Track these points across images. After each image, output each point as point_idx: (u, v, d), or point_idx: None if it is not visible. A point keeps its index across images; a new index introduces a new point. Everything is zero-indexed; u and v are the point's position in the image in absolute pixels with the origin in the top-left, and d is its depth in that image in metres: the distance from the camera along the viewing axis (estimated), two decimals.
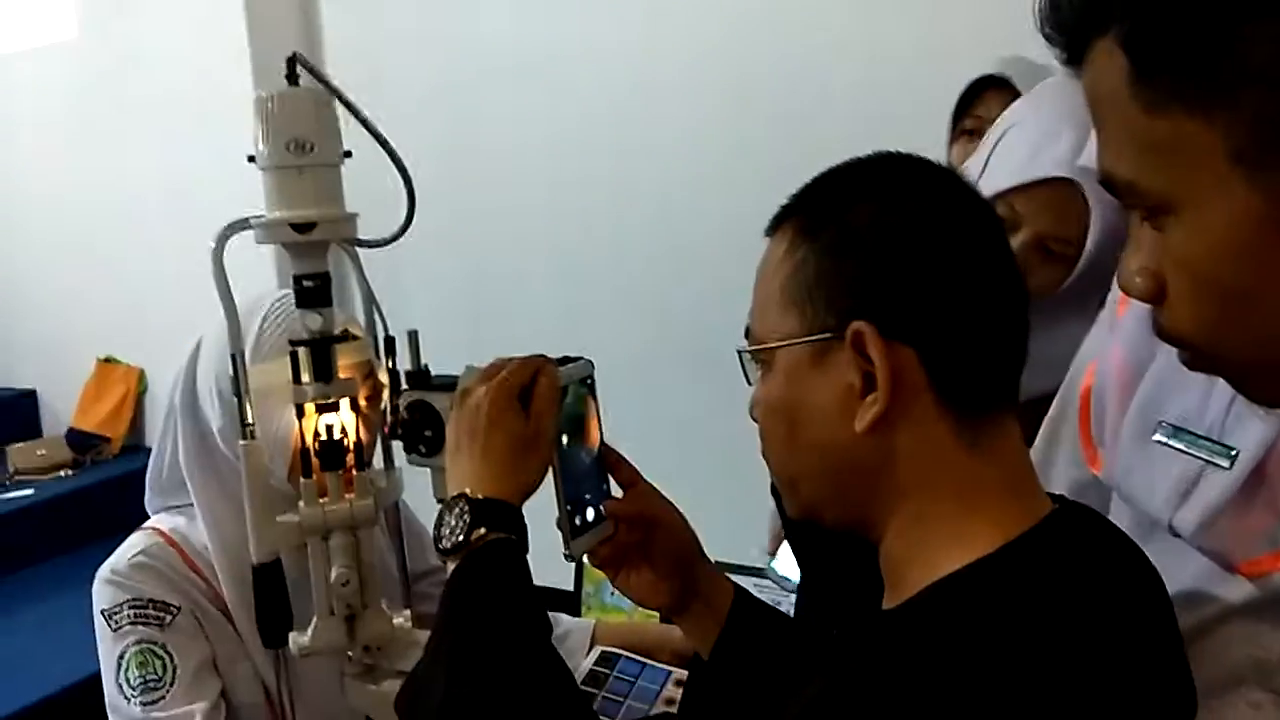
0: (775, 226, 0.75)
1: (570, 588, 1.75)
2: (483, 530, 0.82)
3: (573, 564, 0.97)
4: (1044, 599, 0.64)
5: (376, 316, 1.18)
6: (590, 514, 0.94)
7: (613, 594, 1.76)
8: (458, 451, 0.87)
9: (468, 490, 0.84)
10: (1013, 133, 1.13)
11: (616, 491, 0.98)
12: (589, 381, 0.96)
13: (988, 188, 1.11)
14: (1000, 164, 1.12)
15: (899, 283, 0.68)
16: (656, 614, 1.01)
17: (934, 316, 0.68)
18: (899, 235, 0.68)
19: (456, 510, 0.83)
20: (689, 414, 1.18)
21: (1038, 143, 1.08)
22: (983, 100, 1.46)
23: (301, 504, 1.05)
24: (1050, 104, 1.11)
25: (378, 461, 1.23)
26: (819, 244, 0.70)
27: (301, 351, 1.03)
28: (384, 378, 1.15)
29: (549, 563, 0.98)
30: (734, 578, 1.00)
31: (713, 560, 0.99)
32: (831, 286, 0.69)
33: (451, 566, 0.83)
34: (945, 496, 0.69)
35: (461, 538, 0.82)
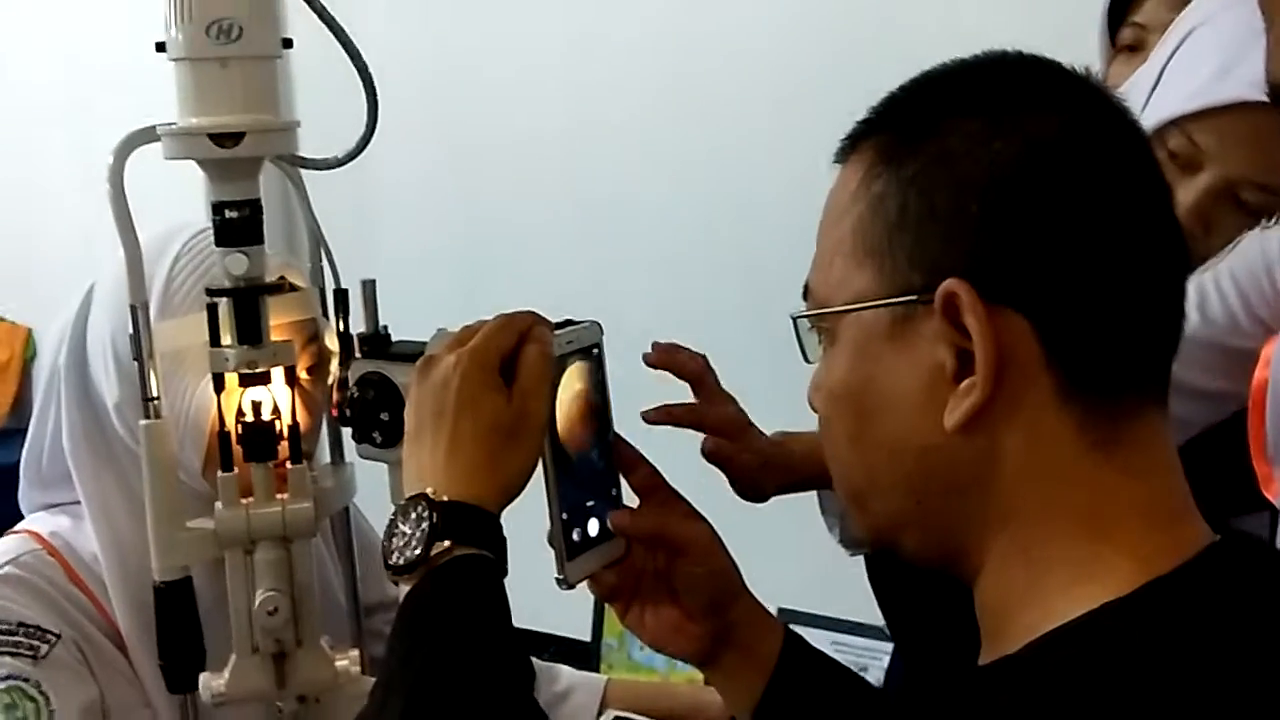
0: (849, 149, 0.76)
1: (585, 636, 1.77)
2: (447, 543, 0.82)
3: (576, 594, 0.96)
4: (1195, 660, 0.64)
5: (325, 262, 1.21)
6: (594, 528, 0.96)
7: (643, 648, 1.76)
8: (418, 439, 0.87)
9: (430, 490, 0.84)
10: (1196, 38, 1.12)
11: (630, 499, 0.99)
12: (596, 352, 0.97)
13: (1156, 114, 1.10)
14: (1177, 81, 1.11)
15: (1011, 229, 0.68)
16: (699, 672, 1.02)
17: (1057, 275, 0.68)
18: (1014, 164, 0.68)
19: (414, 516, 0.83)
20: (759, 406, 1.26)
21: (1232, 53, 1.07)
22: (1143, 3, 1.43)
23: (218, 506, 1.08)
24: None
25: (323, 454, 1.26)
26: (905, 173, 0.71)
27: (222, 304, 1.05)
28: (332, 343, 1.18)
29: (552, 598, 0.99)
30: (808, 632, 1.02)
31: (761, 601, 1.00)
32: (920, 231, 0.69)
33: (404, 589, 0.83)
34: (1065, 518, 0.69)
35: (419, 551, 0.82)
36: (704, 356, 1.08)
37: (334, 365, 1.17)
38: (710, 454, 1.05)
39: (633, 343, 1.06)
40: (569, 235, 2.62)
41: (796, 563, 1.88)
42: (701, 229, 2.48)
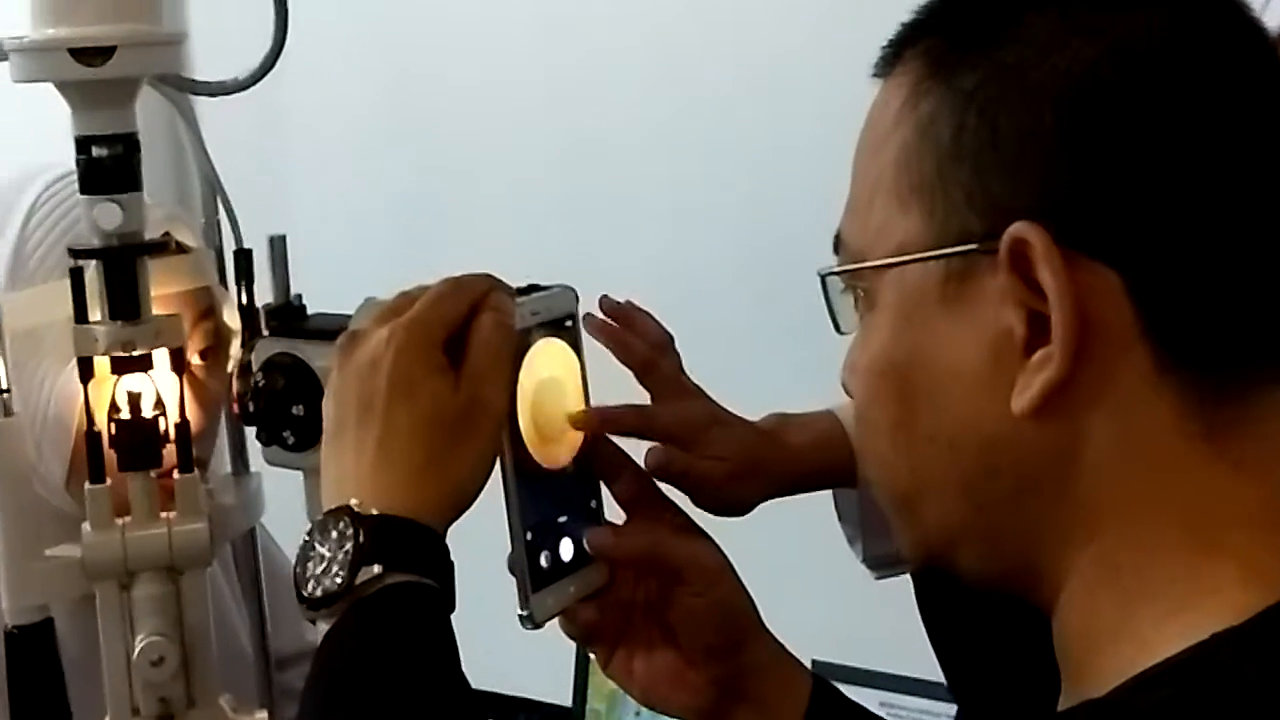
0: (891, 59, 0.76)
1: (565, 700, 1.78)
2: (376, 569, 0.82)
3: (552, 644, 1.01)
4: None
5: (223, 215, 1.20)
6: (567, 550, 0.96)
7: (639, 713, 1.76)
8: (339, 437, 0.88)
9: (354, 502, 0.85)
10: None
11: (614, 513, 0.99)
12: (570, 325, 0.97)
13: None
14: None
15: (1097, 156, 0.68)
16: None
17: (1156, 217, 0.68)
18: (1101, 72, 0.68)
19: (334, 534, 0.84)
20: (754, 390, 1.23)
21: None
22: None
23: (86, 527, 1.06)
24: None
25: (221, 461, 1.26)
26: (961, 86, 0.70)
27: (89, 269, 1.04)
28: (232, 319, 1.17)
29: (522, 649, 1.01)
30: (849, 691, 1.01)
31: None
32: (980, 161, 0.69)
33: (323, 628, 0.83)
34: (1164, 528, 0.69)
35: (340, 580, 0.82)
36: (664, 333, 1.06)
37: (235, 347, 1.17)
38: (654, 469, 1.01)
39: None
40: (541, 184, 2.62)
41: (834, 602, 1.90)
42: (708, 180, 2.48)
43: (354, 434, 0.87)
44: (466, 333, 0.89)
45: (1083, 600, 0.71)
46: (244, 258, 1.17)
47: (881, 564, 1.15)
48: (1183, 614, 0.67)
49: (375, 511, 0.84)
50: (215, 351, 1.19)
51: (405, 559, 0.84)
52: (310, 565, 0.85)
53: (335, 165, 2.79)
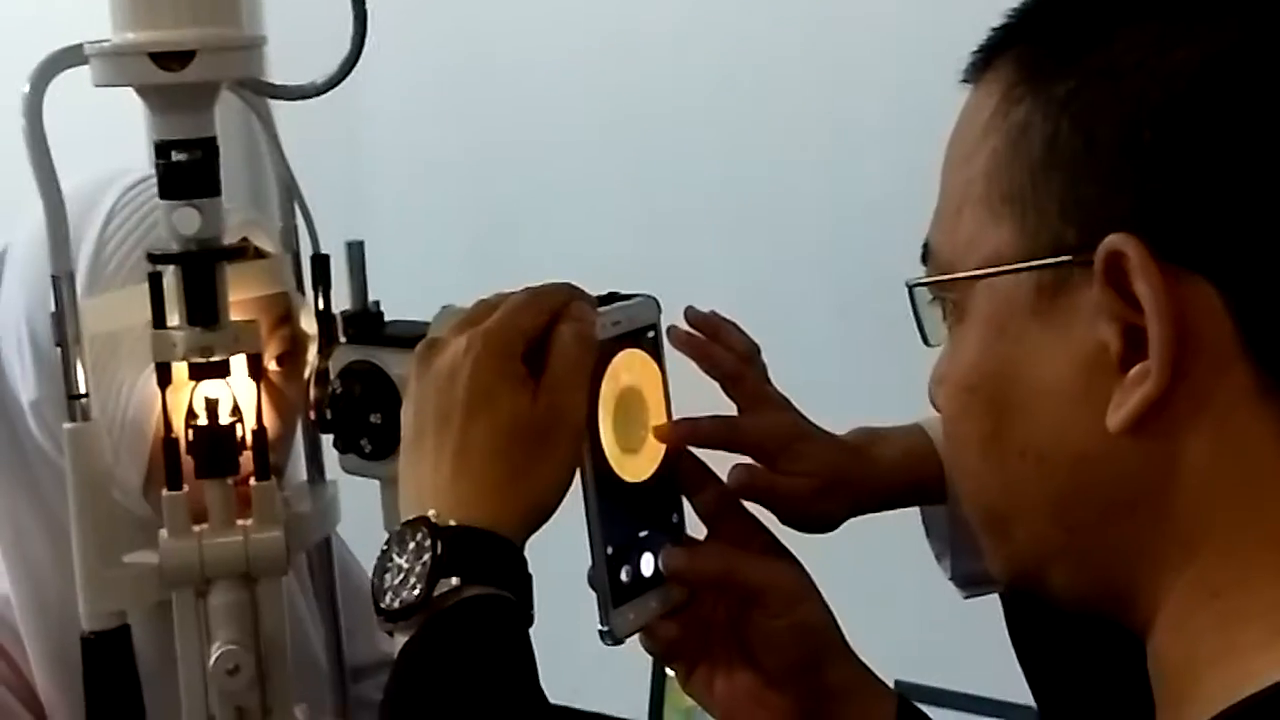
0: (982, 64, 0.76)
1: (641, 715, 1.82)
2: (454, 581, 0.83)
3: (629, 659, 1.02)
4: None
5: (301, 220, 1.21)
6: (648, 565, 0.97)
7: None
8: (418, 448, 0.89)
9: (432, 513, 0.85)
10: None
11: (696, 527, 1.00)
12: (652, 335, 0.98)
13: None
14: None
15: (1197, 166, 0.67)
16: None
17: (1259, 229, 0.67)
18: (1203, 80, 0.68)
19: (412, 546, 0.84)
20: (841, 403, 1.23)
21: None
22: None
23: (163, 534, 1.07)
24: None
25: (298, 469, 1.26)
26: (1055, 93, 0.70)
27: (168, 274, 1.05)
28: (309, 325, 1.18)
29: (597, 664, 1.02)
30: (934, 714, 1.01)
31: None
32: (1074, 171, 0.69)
33: (400, 640, 0.84)
34: (1264, 548, 0.68)
35: (418, 592, 0.83)
36: (751, 344, 1.06)
37: (311, 353, 1.17)
38: (738, 487, 1.01)
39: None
40: (616, 189, 2.62)
41: (920, 622, 1.89)
42: (787, 181, 2.46)
43: (432, 445, 0.88)
44: (546, 343, 0.90)
45: (1180, 624, 0.70)
46: (321, 263, 1.18)
47: (970, 582, 1.13)
48: None
49: (453, 523, 0.85)
50: (292, 358, 1.19)
51: (483, 571, 0.84)
52: (388, 577, 0.85)
53: (413, 170, 2.79)
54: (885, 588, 2.04)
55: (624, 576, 0.94)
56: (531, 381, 0.88)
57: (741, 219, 2.53)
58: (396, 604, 0.84)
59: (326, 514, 1.23)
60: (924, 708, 1.05)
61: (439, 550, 0.83)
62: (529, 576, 0.86)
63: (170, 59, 0.98)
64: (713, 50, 2.52)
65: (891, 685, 1.03)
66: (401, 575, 0.84)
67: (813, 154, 2.44)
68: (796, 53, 2.42)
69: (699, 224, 2.57)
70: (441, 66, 2.74)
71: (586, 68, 2.64)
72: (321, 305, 1.17)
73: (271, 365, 1.19)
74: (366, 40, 1.08)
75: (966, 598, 1.15)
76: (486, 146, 2.75)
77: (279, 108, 1.20)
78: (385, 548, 0.86)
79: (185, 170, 1.02)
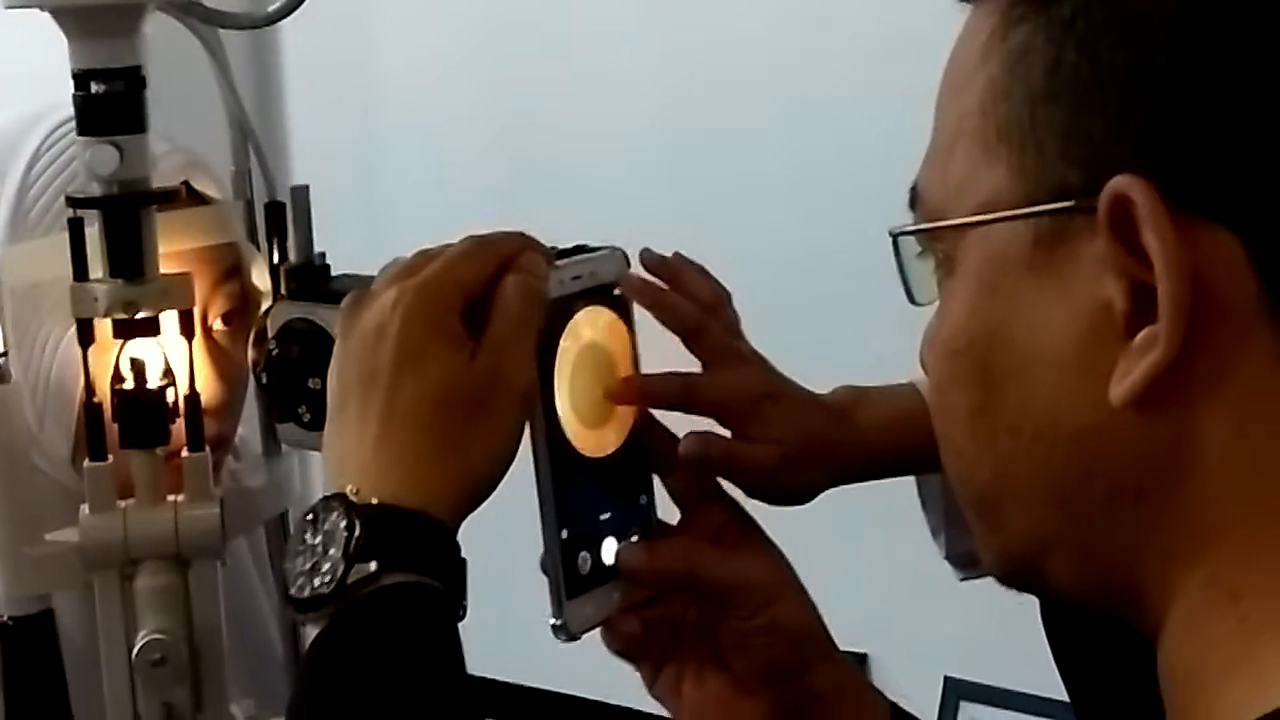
0: None
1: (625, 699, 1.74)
2: (372, 566, 0.80)
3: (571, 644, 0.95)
4: None
5: (254, 163, 1.18)
6: (610, 553, 0.94)
7: None
8: (341, 415, 0.87)
9: (351, 489, 0.83)
10: None
11: (668, 510, 0.97)
12: (619, 293, 0.94)
13: None
14: None
15: (1216, 97, 0.64)
16: None
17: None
18: (1220, 4, 0.64)
19: (327, 526, 0.82)
20: (830, 368, 1.28)
21: None
22: None
23: (84, 509, 1.04)
24: None
25: (245, 442, 1.26)
26: (1058, 14, 0.67)
27: (93, 222, 1.02)
28: (261, 280, 1.16)
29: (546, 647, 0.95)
30: (983, 711, 1.00)
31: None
32: (1078, 102, 0.66)
33: (312, 633, 0.82)
34: None
35: (330, 579, 0.80)
36: (718, 290, 1.01)
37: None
38: (689, 457, 0.96)
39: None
40: (647, 144, 2.62)
41: (970, 614, 1.86)
42: (838, 141, 2.46)
43: (355, 411, 0.86)
44: (491, 296, 0.87)
45: (1192, 628, 0.67)
46: (276, 212, 1.14)
47: (967, 562, 1.10)
48: None
49: (375, 501, 0.82)
50: (241, 315, 1.17)
51: (406, 556, 0.81)
52: (299, 561, 0.83)
53: (409, 111, 2.79)
54: (928, 578, 2.06)
55: (582, 565, 0.92)
56: (470, 341, 0.86)
57: (786, 182, 2.55)
58: (307, 592, 0.81)
59: (281, 489, 1.20)
60: (972, 705, 1.00)
61: (356, 531, 0.81)
62: (462, 562, 0.84)
63: None
64: (749, 25, 2.55)
65: (940, 682, 0.99)
66: (314, 560, 0.82)
67: (858, 124, 2.46)
68: (834, 26, 2.45)
69: (736, 187, 2.59)
70: (462, 29, 2.74)
71: (609, 38, 2.67)
72: (279, 260, 1.14)
73: (217, 324, 1.17)
74: None
75: (963, 579, 1.10)
76: (499, 91, 2.77)
77: (293, 74, 1.17)
78: (297, 529, 0.84)
79: (105, 103, 0.99)
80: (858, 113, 2.45)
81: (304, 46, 2.13)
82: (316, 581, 0.81)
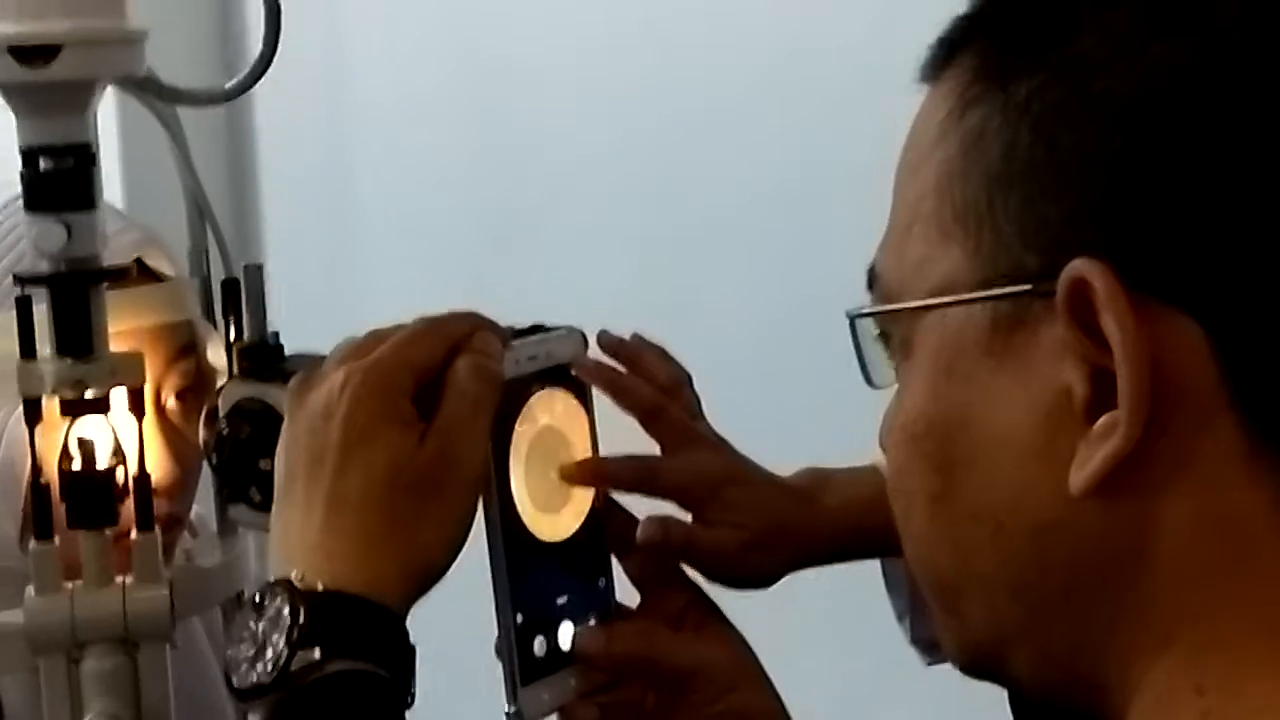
0: (941, 61, 0.71)
1: None
2: (316, 654, 0.79)
3: None
4: None
5: (211, 239, 1.18)
6: (567, 638, 0.93)
7: None
8: (288, 496, 0.86)
9: (295, 574, 0.82)
10: None
11: (627, 593, 0.97)
12: (572, 374, 0.94)
13: None
14: None
15: (1175, 180, 0.62)
16: None
17: (1248, 256, 0.62)
18: (1183, 80, 0.63)
19: (271, 612, 0.81)
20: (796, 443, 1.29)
21: None
22: None
23: (29, 591, 1.03)
24: None
25: (201, 520, 1.24)
26: (1015, 96, 0.66)
27: (37, 297, 1.02)
28: (218, 358, 1.15)
29: None
30: None
31: None
32: (1035, 184, 0.65)
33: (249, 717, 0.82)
34: (1254, 637, 0.64)
35: (272, 667, 0.79)
36: (678, 372, 1.00)
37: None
38: (648, 542, 0.95)
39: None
40: (626, 211, 2.61)
41: (956, 700, 1.85)
42: (805, 188, 2.44)
43: (302, 493, 0.85)
44: (443, 378, 0.86)
45: None
46: (232, 289, 1.13)
47: (932, 647, 1.09)
48: None
49: (320, 586, 0.82)
50: (196, 394, 1.16)
51: (351, 643, 0.81)
52: (242, 648, 0.81)
53: (405, 176, 2.80)
54: (908, 665, 2.08)
55: (538, 649, 0.91)
56: (420, 423, 0.85)
57: (754, 233, 2.53)
58: (249, 680, 0.80)
59: (235, 569, 1.18)
60: None
61: (300, 618, 0.80)
62: (410, 649, 0.83)
63: (33, 54, 0.95)
64: (727, 49, 2.53)
65: None
66: (256, 647, 0.81)
67: (842, 161, 2.39)
68: (818, 57, 2.44)
69: (718, 255, 2.58)
70: (437, 63, 2.74)
71: (586, 68, 2.66)
72: (235, 338, 1.13)
73: (170, 402, 1.16)
74: (279, 40, 1.05)
75: (929, 664, 1.09)
76: (484, 151, 2.76)
77: (265, 118, 1.17)
78: (240, 614, 0.83)
79: (53, 180, 0.99)
80: (843, 165, 2.42)
81: (276, 119, 2.12)
82: (259, 669, 0.80)
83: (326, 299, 2.53)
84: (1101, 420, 0.63)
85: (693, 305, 2.36)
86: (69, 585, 1.03)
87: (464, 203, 2.79)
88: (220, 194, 2.58)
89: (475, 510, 0.86)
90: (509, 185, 2.74)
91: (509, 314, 0.94)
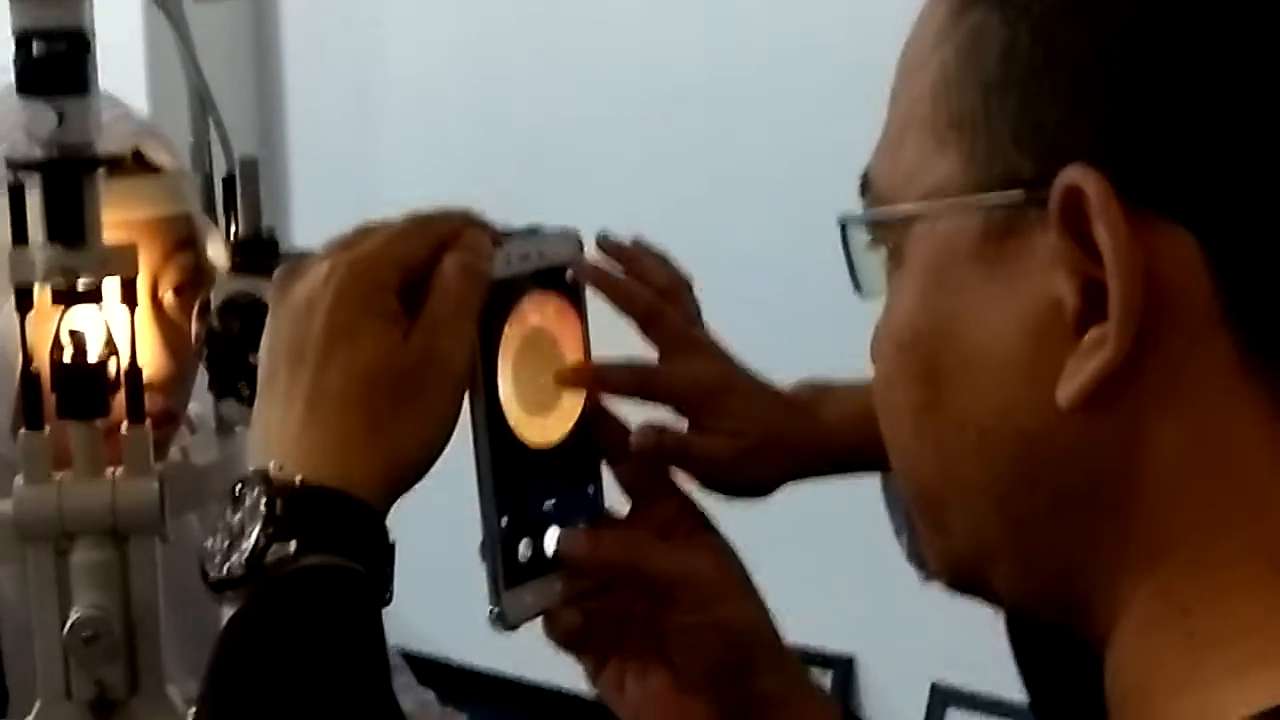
0: None
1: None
2: (291, 547, 0.79)
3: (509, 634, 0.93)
4: None
5: (214, 132, 1.17)
6: (552, 543, 0.92)
7: None
8: (269, 389, 0.85)
9: (274, 466, 0.81)
10: None
11: (617, 503, 0.95)
12: (567, 277, 0.92)
13: None
14: None
15: (1173, 86, 0.62)
16: None
17: (1244, 165, 0.62)
18: None
19: (248, 503, 0.80)
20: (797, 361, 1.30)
21: None
22: None
23: (18, 480, 1.03)
24: None
25: (201, 418, 1.25)
26: (1014, 2, 0.65)
27: (30, 184, 1.01)
28: (217, 253, 1.15)
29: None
30: None
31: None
32: (1031, 88, 0.64)
33: (226, 614, 0.80)
34: (1246, 560, 0.64)
35: (246, 558, 0.79)
36: (677, 277, 0.99)
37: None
38: (641, 448, 0.93)
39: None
40: (640, 134, 2.65)
41: (953, 617, 1.86)
42: (823, 138, 2.45)
43: (283, 386, 0.83)
44: (430, 273, 0.85)
45: (1139, 641, 0.66)
46: (232, 185, 1.12)
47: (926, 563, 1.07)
48: (1261, 669, 0.62)
49: (298, 480, 0.80)
50: (194, 289, 1.16)
51: (327, 537, 0.79)
52: (218, 539, 0.80)
53: (396, 86, 2.80)
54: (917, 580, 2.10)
55: (522, 553, 0.90)
56: (405, 319, 0.83)
57: (774, 201, 2.57)
58: (223, 571, 0.79)
59: (232, 468, 1.17)
60: (959, 712, 0.99)
61: (276, 510, 0.79)
62: (389, 545, 0.81)
63: None
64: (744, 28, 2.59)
65: (927, 687, 0.97)
66: (232, 538, 0.80)
67: (846, 123, 2.47)
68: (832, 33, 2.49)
69: (731, 181, 2.62)
70: (463, 27, 2.76)
71: (613, 37, 2.70)
72: (236, 233, 1.12)
73: (168, 296, 1.16)
74: None
75: (925, 580, 1.08)
76: (488, 72, 2.78)
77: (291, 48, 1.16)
78: (224, 509, 0.82)
79: (45, 64, 0.98)
80: (849, 111, 2.48)
81: (302, 18, 2.11)
82: (234, 560, 0.79)
83: (347, 202, 2.53)
84: (1091, 333, 0.62)
85: (703, 223, 2.40)
86: (58, 475, 1.03)
87: (481, 112, 2.79)
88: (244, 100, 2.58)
89: (458, 410, 0.85)
90: (528, 89, 2.76)
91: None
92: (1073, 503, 0.66)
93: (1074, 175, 0.61)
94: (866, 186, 0.72)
